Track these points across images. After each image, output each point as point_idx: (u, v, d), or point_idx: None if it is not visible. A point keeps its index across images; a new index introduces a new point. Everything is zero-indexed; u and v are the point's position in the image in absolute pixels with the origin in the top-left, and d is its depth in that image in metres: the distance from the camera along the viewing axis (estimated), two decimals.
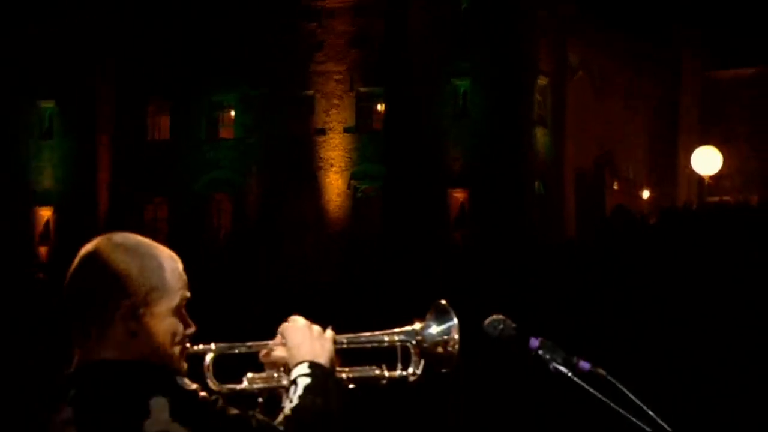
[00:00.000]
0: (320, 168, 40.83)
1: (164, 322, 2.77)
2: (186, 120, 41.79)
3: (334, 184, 40.64)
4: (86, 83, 41.44)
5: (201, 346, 2.91)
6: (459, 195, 38.73)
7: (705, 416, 12.25)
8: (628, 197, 42.28)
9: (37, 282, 33.49)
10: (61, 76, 41.28)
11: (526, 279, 19.76)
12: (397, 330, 3.08)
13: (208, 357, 2.92)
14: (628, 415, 2.98)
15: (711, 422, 12.22)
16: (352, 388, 3.03)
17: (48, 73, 41.46)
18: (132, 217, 40.10)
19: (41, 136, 42.98)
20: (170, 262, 2.82)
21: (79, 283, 2.77)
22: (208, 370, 2.92)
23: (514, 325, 3.12)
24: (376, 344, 3.08)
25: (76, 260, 2.80)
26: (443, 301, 3.06)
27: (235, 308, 20.69)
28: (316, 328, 2.98)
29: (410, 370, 3.06)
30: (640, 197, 44.72)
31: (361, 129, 40.73)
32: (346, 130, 40.74)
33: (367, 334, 3.10)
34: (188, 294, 2.84)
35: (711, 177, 39.51)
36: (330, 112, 40.86)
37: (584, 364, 3.05)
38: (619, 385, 3.01)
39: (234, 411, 2.70)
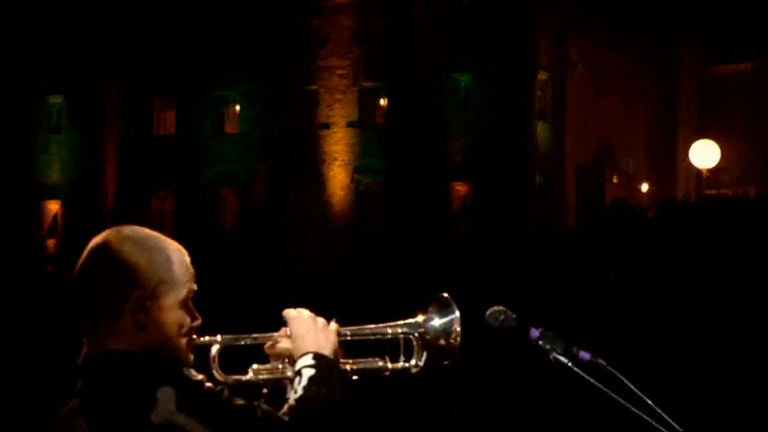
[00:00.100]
0: (324, 162, 40.88)
1: (172, 315, 2.78)
2: (191, 115, 41.81)
3: (338, 177, 40.68)
4: (94, 79, 41.47)
5: (207, 338, 2.92)
6: (461, 188, 38.87)
7: (703, 406, 12.21)
8: (628, 190, 42.37)
9: (45, 274, 33.66)
10: (69, 72, 41.33)
11: (526, 271, 19.75)
12: (400, 322, 3.09)
13: (214, 348, 2.93)
14: (628, 405, 2.99)
15: (709, 413, 12.18)
16: (356, 379, 3.05)
17: (56, 69, 41.47)
18: (138, 210, 39.91)
19: (50, 130, 43.03)
20: (178, 254, 2.82)
21: (88, 275, 2.77)
22: (214, 361, 2.93)
23: (514, 316, 3.12)
24: (379, 336, 3.09)
25: (85, 253, 2.80)
26: (445, 294, 3.08)
27: (240, 300, 20.76)
28: (321, 320, 3.00)
29: (413, 361, 3.08)
30: (640, 190, 44.73)
31: (364, 123, 40.76)
32: (349, 125, 40.76)
33: (371, 326, 3.11)
34: (195, 287, 2.85)
35: (709, 170, 39.33)
36: (333, 107, 40.92)
37: (584, 355, 3.06)
38: (619, 375, 3.01)
39: (239, 401, 2.70)
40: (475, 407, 14.71)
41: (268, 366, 3.00)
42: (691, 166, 41.44)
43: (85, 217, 39.49)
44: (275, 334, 3.01)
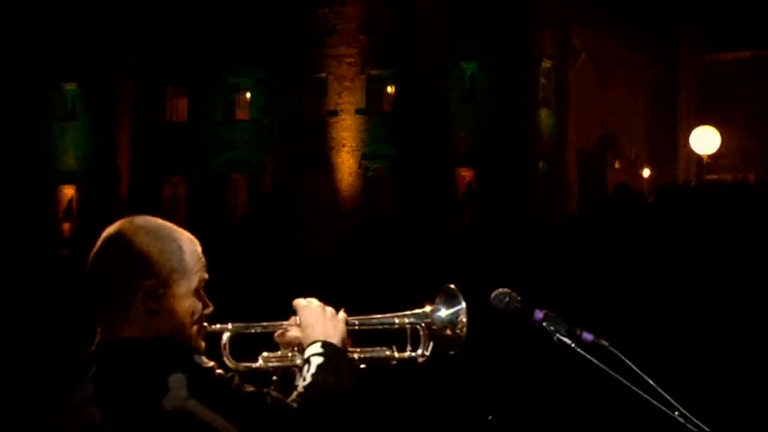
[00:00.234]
0: (332, 148, 40.94)
1: (184, 303, 2.79)
2: (203, 102, 41.88)
3: (346, 164, 40.77)
4: (107, 67, 41.56)
5: (218, 326, 2.94)
6: (466, 174, 39.00)
7: (702, 387, 11.97)
8: (629, 176, 42.23)
9: (60, 258, 33.99)
10: (83, 60, 41.44)
11: (529, 254, 19.69)
12: (407, 312, 3.11)
13: (225, 336, 2.95)
14: (630, 385, 3.00)
15: (709, 393, 11.86)
16: (363, 368, 3.06)
17: (70, 58, 41.61)
18: (151, 195, 40.23)
19: (64, 117, 43.08)
20: (189, 244, 2.83)
21: (102, 264, 2.78)
22: (225, 348, 2.95)
23: (519, 298, 3.14)
24: (386, 326, 3.10)
25: (99, 242, 2.82)
26: (452, 286, 3.09)
27: (249, 285, 20.56)
28: (330, 309, 3.02)
29: (419, 351, 3.10)
30: (641, 176, 44.69)
31: (371, 111, 40.79)
32: (357, 112, 40.84)
33: (379, 316, 3.12)
34: (206, 276, 2.86)
35: (709, 156, 39.31)
36: (342, 95, 40.98)
37: (587, 336, 3.07)
38: (621, 356, 3.03)
39: (250, 388, 2.71)
40: (478, 390, 14.48)
41: (277, 354, 3.03)
42: (691, 152, 41.46)
43: (99, 201, 39.81)
44: (285, 322, 3.04)
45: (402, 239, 27.62)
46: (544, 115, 40.25)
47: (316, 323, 2.96)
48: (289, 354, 3.01)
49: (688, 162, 46.02)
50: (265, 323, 3.03)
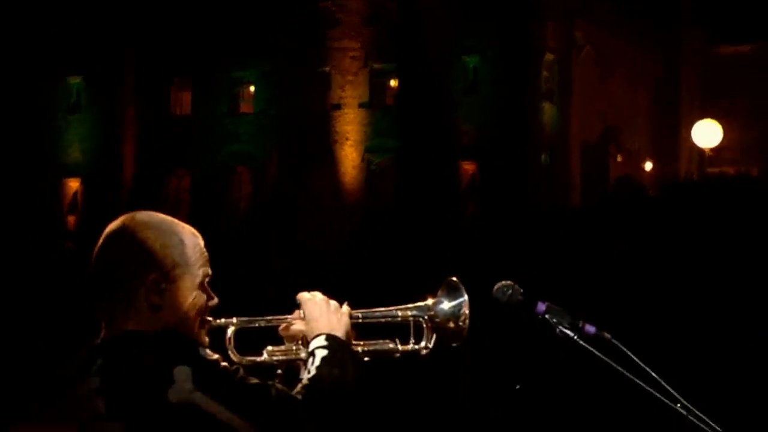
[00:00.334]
0: (336, 142, 40.99)
1: (187, 297, 2.80)
2: (207, 95, 41.89)
3: (349, 157, 40.80)
4: (112, 60, 41.59)
5: (223, 320, 2.95)
6: (469, 167, 39.06)
7: (704, 380, 11.96)
8: (632, 169, 42.21)
9: (65, 250, 34.03)
10: (88, 53, 41.50)
11: (532, 247, 19.38)
12: (410, 305, 3.12)
13: (230, 330, 2.96)
14: (632, 377, 2.99)
15: (710, 385, 11.84)
16: (367, 360, 3.07)
17: (75, 51, 41.65)
18: (156, 188, 40.41)
19: (69, 110, 43.13)
20: (192, 238, 2.85)
21: (106, 259, 2.79)
22: (230, 342, 2.96)
23: (521, 291, 3.13)
24: (390, 319, 3.12)
25: (102, 238, 2.83)
26: (454, 278, 3.11)
27: (254, 278, 20.41)
28: (334, 303, 3.03)
29: (422, 343, 3.11)
30: (643, 169, 44.72)
31: (375, 104, 40.85)
32: (360, 105, 40.85)
33: (382, 309, 3.12)
34: (210, 271, 2.87)
35: (712, 149, 39.34)
36: (345, 88, 41.00)
37: (590, 328, 3.06)
38: (624, 348, 3.02)
39: (254, 380, 2.73)
40: (480, 383, 14.62)
41: (282, 347, 3.05)
42: (693, 145, 41.32)
43: (104, 194, 39.90)
44: (289, 316, 3.06)
45: (405, 232, 27.60)
46: (547, 108, 40.27)
47: (320, 316, 2.98)
48: (294, 347, 3.02)
49: (690, 155, 45.93)
50: (269, 317, 3.04)
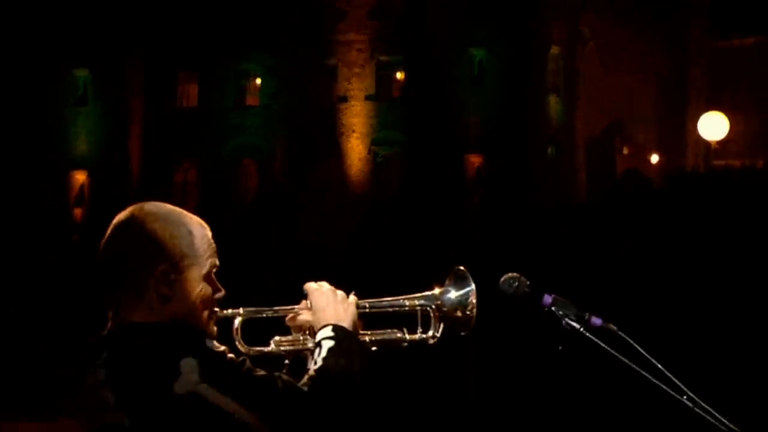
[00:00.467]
0: (342, 134, 41.08)
1: (195, 288, 2.78)
2: (214, 88, 41.95)
3: (356, 149, 40.91)
4: (118, 53, 41.67)
5: (230, 311, 2.92)
6: (475, 160, 39.12)
7: (710, 372, 11.94)
8: (638, 162, 42.08)
9: (72, 243, 34.08)
10: (95, 46, 41.53)
11: (538, 240, 19.47)
12: (417, 295, 3.11)
13: (237, 321, 2.94)
14: (638, 369, 2.98)
15: (716, 380, 11.54)
16: (374, 350, 3.05)
17: (82, 44, 41.65)
18: (162, 181, 40.41)
19: (76, 103, 43.17)
20: (200, 229, 2.83)
21: (113, 250, 2.77)
22: (237, 333, 2.93)
23: (528, 283, 3.12)
24: (397, 308, 3.10)
25: (110, 229, 2.80)
26: (462, 268, 3.09)
27: (260, 269, 20.53)
28: (340, 293, 3.01)
29: (430, 333, 3.09)
30: (649, 162, 44.55)
31: (381, 97, 40.96)
32: (367, 98, 40.96)
33: (389, 298, 3.11)
34: (217, 261, 2.85)
35: (718, 142, 39.42)
36: (352, 81, 41.09)
37: (596, 320, 3.05)
38: (630, 340, 3.00)
39: (261, 372, 2.71)
40: (486, 376, 14.59)
41: (289, 338, 3.02)
42: (700, 138, 41.30)
43: (111, 187, 39.93)
44: (296, 306, 3.03)
45: (411, 225, 27.60)
46: (553, 102, 40.32)
47: (327, 307, 2.97)
48: (301, 338, 3.01)
49: (696, 148, 45.87)
50: (276, 307, 3.03)
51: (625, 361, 3.01)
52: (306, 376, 2.80)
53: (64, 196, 42.67)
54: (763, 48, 47.56)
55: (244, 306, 2.98)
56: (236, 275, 4.91)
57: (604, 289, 15.38)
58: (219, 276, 2.88)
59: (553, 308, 3.08)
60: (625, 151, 43.96)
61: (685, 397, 3.01)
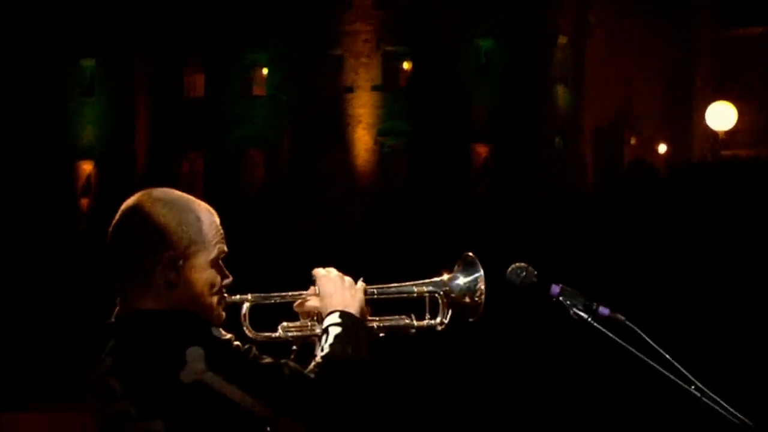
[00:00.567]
0: (348, 124, 41.02)
1: (203, 274, 2.80)
2: (220, 78, 41.88)
3: (362, 140, 40.82)
4: (125, 43, 41.60)
5: (238, 297, 2.96)
6: (482, 150, 39.08)
7: (717, 362, 11.97)
8: (645, 152, 42.22)
9: (79, 232, 34.18)
10: (101, 36, 41.49)
11: (545, 230, 19.52)
12: (425, 281, 3.11)
13: (245, 307, 2.98)
14: (646, 359, 2.98)
15: (723, 370, 11.74)
16: (382, 337, 3.06)
17: (88, 33, 41.62)
18: (169, 171, 40.25)
19: (82, 93, 43.14)
20: (208, 215, 2.84)
21: (121, 236, 2.79)
22: (245, 319, 2.97)
23: (535, 273, 3.12)
24: (405, 295, 3.11)
25: (118, 214, 2.82)
26: (470, 254, 3.10)
27: (266, 260, 20.73)
28: (348, 279, 3.02)
29: (438, 319, 3.10)
30: (657, 152, 44.44)
31: (387, 87, 40.87)
32: (373, 88, 40.87)
33: (397, 285, 3.13)
34: (225, 248, 2.86)
35: (725, 132, 39.42)
36: (358, 71, 41.02)
37: (603, 310, 3.06)
38: (638, 330, 3.00)
39: (267, 359, 2.72)
40: (492, 365, 14.65)
41: (297, 324, 3.05)
42: (707, 127, 41.29)
43: (117, 177, 39.81)
44: (304, 292, 3.06)
45: (417, 215, 27.61)
46: (560, 92, 40.30)
47: (335, 293, 2.98)
48: (309, 324, 3.03)
49: (703, 138, 45.81)
50: (284, 293, 3.04)
51: (633, 351, 3.00)
52: (312, 363, 2.81)
53: (71, 186, 42.64)
54: None
55: (251, 292, 3.01)
56: (242, 265, 4.78)
57: (611, 279, 15.40)
58: (227, 266, 2.89)
59: (560, 298, 3.08)
60: (633, 141, 43.89)
61: (693, 387, 3.01)
